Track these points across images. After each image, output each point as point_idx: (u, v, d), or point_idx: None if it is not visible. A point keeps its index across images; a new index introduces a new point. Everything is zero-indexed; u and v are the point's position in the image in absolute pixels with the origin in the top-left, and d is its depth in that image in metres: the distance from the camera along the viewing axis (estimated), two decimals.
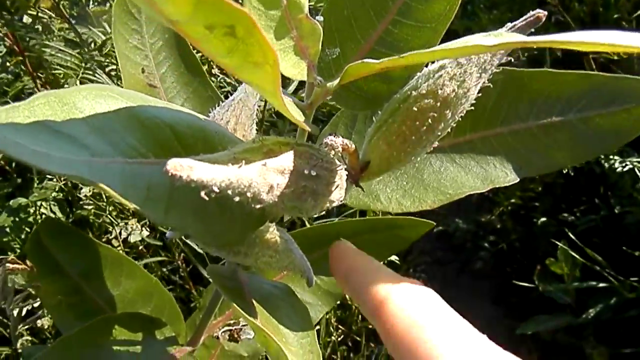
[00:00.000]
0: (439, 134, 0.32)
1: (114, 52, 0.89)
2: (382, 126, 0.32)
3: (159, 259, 0.92)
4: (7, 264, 0.45)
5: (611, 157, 0.88)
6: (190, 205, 0.26)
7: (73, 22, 0.91)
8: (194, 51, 0.50)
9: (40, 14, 0.82)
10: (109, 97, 0.28)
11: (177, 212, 0.26)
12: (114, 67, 0.84)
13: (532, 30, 0.30)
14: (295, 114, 0.26)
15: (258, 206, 0.26)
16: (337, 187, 0.30)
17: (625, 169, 0.83)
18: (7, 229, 0.82)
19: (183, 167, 0.21)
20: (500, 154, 0.39)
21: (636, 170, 0.80)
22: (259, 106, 0.45)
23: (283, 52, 0.29)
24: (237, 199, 0.24)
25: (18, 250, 0.91)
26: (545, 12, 0.29)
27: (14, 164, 0.98)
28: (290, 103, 0.26)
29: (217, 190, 0.23)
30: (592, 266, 0.90)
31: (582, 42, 0.18)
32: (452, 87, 0.30)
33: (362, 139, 0.39)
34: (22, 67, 0.92)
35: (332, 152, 0.31)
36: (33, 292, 0.59)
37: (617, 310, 0.89)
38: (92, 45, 0.87)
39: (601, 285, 0.87)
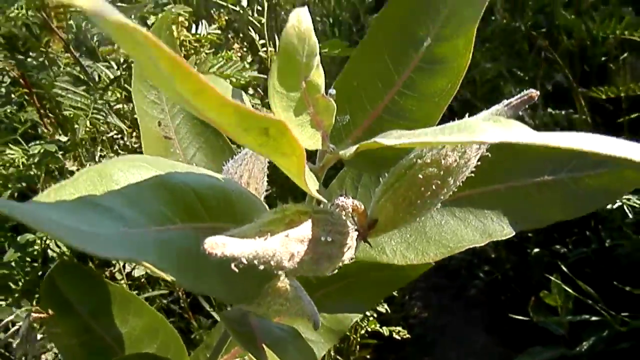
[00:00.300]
0: (442, 197, 0.34)
1: (119, 89, 0.91)
2: (388, 189, 0.35)
3: (161, 292, 0.93)
4: (32, 314, 0.47)
5: None
6: (216, 271, 0.29)
7: (78, 54, 0.94)
8: None
9: (49, 50, 0.85)
10: (141, 167, 0.31)
11: (205, 279, 0.28)
12: (121, 105, 0.87)
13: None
14: (312, 187, 0.29)
15: (279, 272, 0.28)
16: (349, 248, 0.33)
17: (614, 206, 0.86)
18: (13, 263, 0.83)
19: (218, 245, 0.24)
20: (498, 209, 0.42)
21: (625, 207, 0.84)
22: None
23: (301, 126, 0.32)
24: (261, 267, 0.27)
25: (20, 284, 0.92)
26: (537, 92, 0.32)
27: (15, 194, 1.00)
28: (310, 177, 0.29)
29: (245, 262, 0.26)
30: (585, 300, 0.93)
31: (576, 148, 0.21)
32: (454, 157, 0.33)
33: (368, 192, 0.42)
34: (27, 97, 0.94)
35: (343, 212, 0.34)
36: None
37: (609, 343, 0.92)
38: (98, 80, 0.90)
39: (594, 318, 0.89)
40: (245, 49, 1.28)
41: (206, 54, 1.17)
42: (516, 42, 1.57)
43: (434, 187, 0.33)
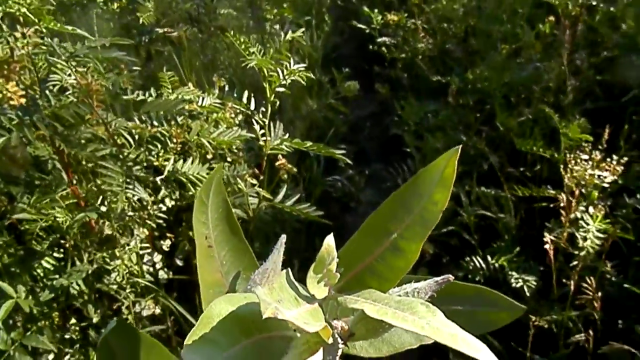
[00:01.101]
0: None
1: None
2: (364, 319, 0.59)
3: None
4: None
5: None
6: None
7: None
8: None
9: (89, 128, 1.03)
10: (225, 307, 0.53)
11: None
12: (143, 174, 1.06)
13: None
14: (330, 340, 0.52)
15: None
16: (339, 358, 0.56)
17: (518, 285, 1.15)
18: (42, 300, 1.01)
19: None
20: None
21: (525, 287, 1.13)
22: None
23: (319, 287, 0.55)
24: None
25: (42, 313, 1.10)
26: (453, 277, 0.57)
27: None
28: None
29: None
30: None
31: (452, 344, 0.45)
32: None
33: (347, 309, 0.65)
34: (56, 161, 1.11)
35: (336, 331, 0.57)
36: None
37: None
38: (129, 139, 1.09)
39: None
40: (238, 110, 1.49)
41: (204, 114, 1.39)
42: (470, 129, 1.86)
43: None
